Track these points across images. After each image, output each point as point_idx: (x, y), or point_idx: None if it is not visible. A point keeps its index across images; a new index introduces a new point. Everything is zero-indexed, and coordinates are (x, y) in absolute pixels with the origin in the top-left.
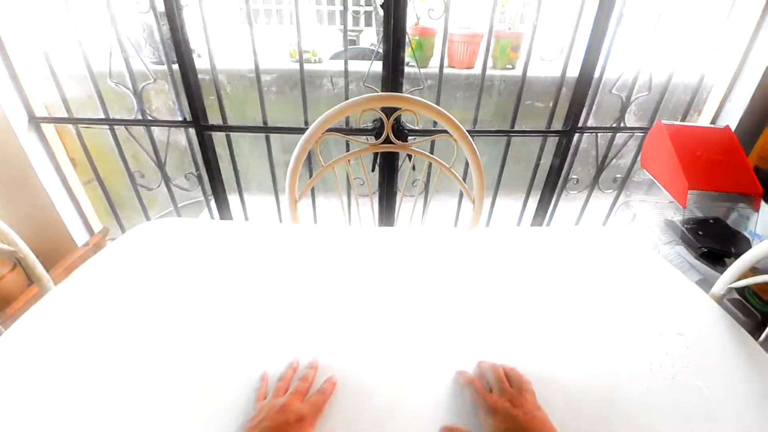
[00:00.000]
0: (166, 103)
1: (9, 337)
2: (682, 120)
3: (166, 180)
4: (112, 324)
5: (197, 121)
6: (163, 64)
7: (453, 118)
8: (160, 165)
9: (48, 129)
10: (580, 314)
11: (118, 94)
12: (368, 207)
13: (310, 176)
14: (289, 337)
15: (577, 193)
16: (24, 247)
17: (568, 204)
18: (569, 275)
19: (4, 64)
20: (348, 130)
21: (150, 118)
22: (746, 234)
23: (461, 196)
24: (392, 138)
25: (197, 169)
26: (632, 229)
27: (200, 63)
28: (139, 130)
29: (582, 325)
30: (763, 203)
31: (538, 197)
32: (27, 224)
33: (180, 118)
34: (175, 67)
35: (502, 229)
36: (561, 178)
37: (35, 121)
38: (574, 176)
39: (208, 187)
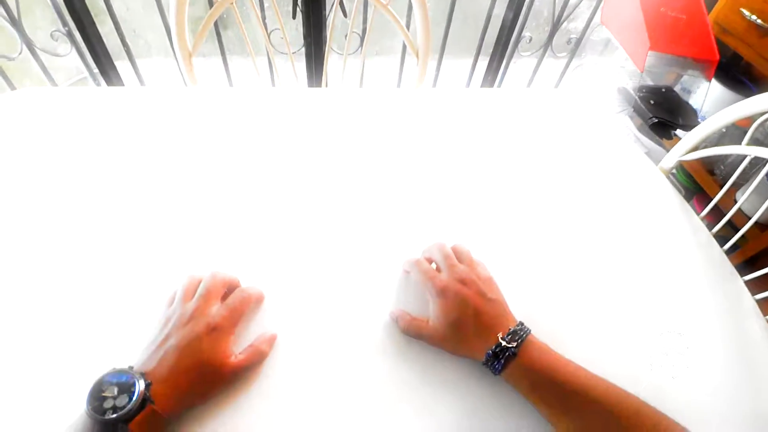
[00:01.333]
0: None
1: None
2: None
3: (28, 44)
4: None
5: None
6: None
7: None
8: (14, 22)
9: None
10: (532, 186)
11: None
12: (295, 66)
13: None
14: (205, 230)
15: (529, 55)
16: None
17: (518, 67)
18: (521, 141)
19: None
20: None
21: None
22: (693, 106)
23: (404, 52)
24: None
25: (64, 24)
26: (584, 94)
27: None
28: None
29: (532, 197)
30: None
31: (488, 60)
32: None
33: None
34: None
35: (449, 90)
36: (513, 36)
37: None
38: (527, 34)
39: (87, 53)
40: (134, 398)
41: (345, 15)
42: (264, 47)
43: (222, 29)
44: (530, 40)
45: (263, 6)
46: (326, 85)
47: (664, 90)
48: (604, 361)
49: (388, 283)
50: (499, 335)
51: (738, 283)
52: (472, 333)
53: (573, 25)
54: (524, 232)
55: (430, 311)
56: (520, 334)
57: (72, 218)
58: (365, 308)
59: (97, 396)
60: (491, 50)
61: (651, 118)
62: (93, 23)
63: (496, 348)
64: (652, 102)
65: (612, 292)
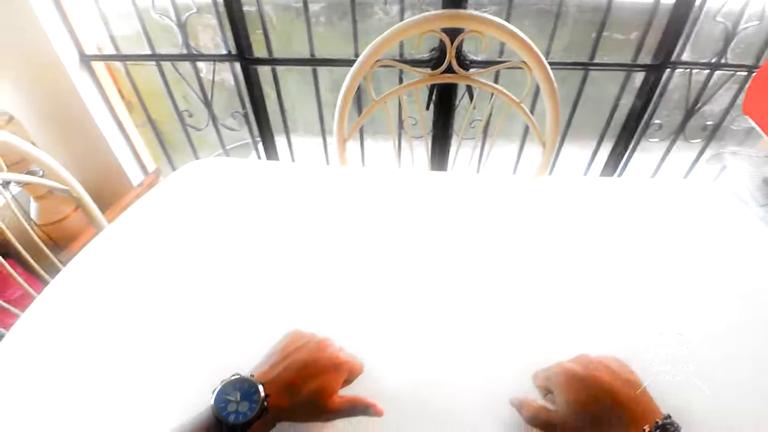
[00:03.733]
0: (213, 39)
1: (65, 275)
2: None
3: (214, 119)
4: (161, 264)
5: (242, 54)
6: None
7: (529, 41)
8: (207, 103)
9: (100, 69)
10: (659, 287)
11: (164, 29)
12: (420, 150)
13: (359, 115)
14: (327, 291)
15: (657, 141)
16: (77, 186)
17: (643, 155)
18: (646, 235)
19: (54, 3)
20: (402, 61)
21: (195, 52)
22: None
23: (524, 140)
24: (455, 66)
25: (243, 107)
26: (720, 185)
27: None
28: (187, 70)
29: (660, 298)
30: None
31: (611, 146)
32: (85, 165)
33: (225, 52)
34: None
35: (571, 178)
36: (642, 123)
37: (86, 60)
38: (657, 121)
39: (255, 128)
40: (256, 408)
41: (474, 108)
42: (393, 130)
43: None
44: (660, 127)
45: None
46: (450, 169)
47: None
48: None
49: (508, 367)
50: (646, 428)
51: None
52: (607, 420)
53: (710, 108)
54: (656, 338)
55: (557, 399)
56: (670, 429)
57: (224, 262)
58: (481, 392)
59: (222, 398)
60: (615, 136)
61: None
62: (265, 107)
63: None
64: None
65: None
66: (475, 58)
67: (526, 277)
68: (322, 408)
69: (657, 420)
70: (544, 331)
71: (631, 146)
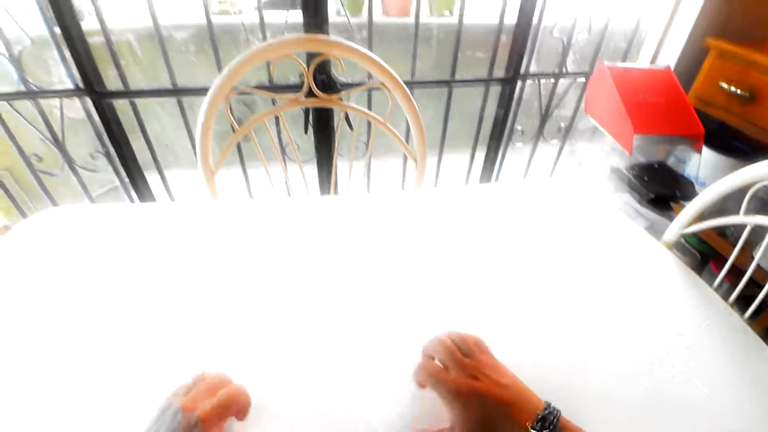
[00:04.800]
0: (57, 72)
1: None
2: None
3: (69, 161)
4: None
5: (91, 87)
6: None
7: (384, 64)
8: (58, 144)
9: None
10: (535, 274)
11: None
12: (308, 175)
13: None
14: (224, 332)
15: (523, 145)
16: None
17: (515, 156)
18: (521, 233)
19: None
20: (265, 88)
21: (35, 89)
22: (688, 176)
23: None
24: (315, 90)
25: (103, 145)
26: (579, 179)
27: (94, 23)
28: (29, 109)
29: (536, 285)
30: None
31: (485, 151)
32: None
33: (71, 86)
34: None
35: (447, 188)
36: (506, 130)
37: None
38: (519, 127)
39: (121, 168)
40: None
41: (351, 128)
42: (280, 156)
43: (243, 142)
44: (522, 133)
45: (278, 122)
46: (336, 190)
47: (656, 166)
48: None
49: (401, 392)
50: (528, 425)
51: (765, 351)
52: (498, 428)
53: (564, 113)
54: (530, 318)
55: (450, 417)
56: (550, 419)
57: (99, 325)
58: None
59: None
60: (487, 144)
61: (647, 194)
62: (128, 143)
63: None
64: (646, 179)
65: (628, 378)
66: (344, 80)
67: (415, 293)
68: None
69: (537, 413)
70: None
71: (501, 151)
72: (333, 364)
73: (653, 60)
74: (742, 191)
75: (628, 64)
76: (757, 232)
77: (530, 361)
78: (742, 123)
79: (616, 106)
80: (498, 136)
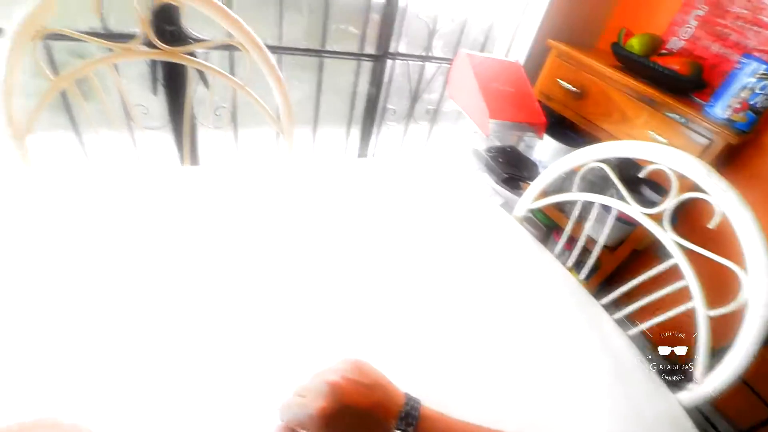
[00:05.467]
0: None
1: None
2: None
3: None
4: None
5: None
6: None
7: (240, 19)
8: None
9: None
10: (402, 247)
11: None
12: (164, 144)
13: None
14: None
15: (396, 124)
16: None
17: (390, 134)
18: (393, 206)
19: None
20: (102, 35)
21: None
22: (533, 160)
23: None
24: (153, 39)
25: None
26: (445, 159)
27: None
28: None
29: (402, 256)
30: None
31: (361, 129)
32: None
33: None
34: None
35: (318, 162)
36: (379, 109)
37: None
38: (391, 107)
39: None
40: None
41: (206, 86)
42: (118, 122)
43: (83, 101)
44: (395, 112)
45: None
46: (195, 161)
47: (509, 149)
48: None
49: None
50: (392, 425)
51: (596, 308)
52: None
53: (433, 96)
54: (395, 292)
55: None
56: (411, 413)
57: None
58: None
59: None
60: (361, 121)
61: (501, 174)
62: None
63: None
64: (500, 160)
65: (487, 337)
66: (199, 36)
67: (282, 272)
68: None
69: (399, 410)
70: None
71: (374, 129)
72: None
73: (506, 54)
74: (574, 173)
75: (485, 54)
76: (587, 207)
77: (390, 345)
78: (575, 116)
79: (474, 92)
80: (371, 114)
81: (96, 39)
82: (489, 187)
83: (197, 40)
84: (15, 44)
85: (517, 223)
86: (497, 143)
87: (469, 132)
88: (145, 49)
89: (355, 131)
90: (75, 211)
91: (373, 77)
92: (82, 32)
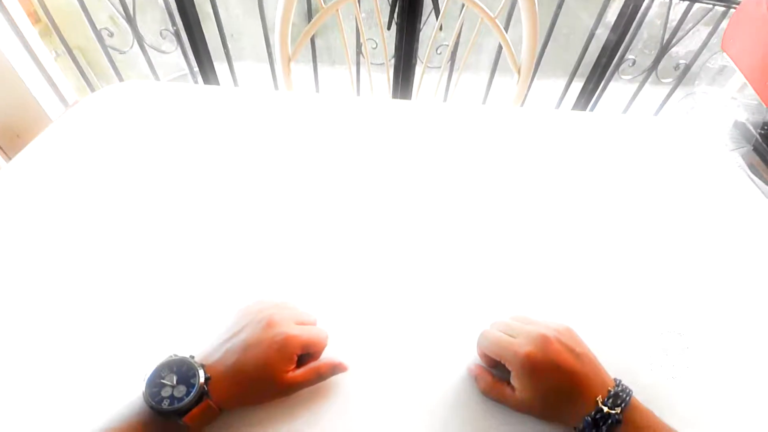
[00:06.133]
0: None
1: None
2: None
3: (139, 39)
4: (67, 204)
5: None
6: None
7: None
8: (130, 19)
9: None
10: (628, 221)
11: None
12: (382, 78)
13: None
14: (281, 246)
15: (630, 78)
16: None
17: (615, 91)
18: (617, 171)
19: None
20: None
21: None
22: None
23: (495, 66)
24: None
25: (174, 24)
26: (691, 125)
27: None
28: None
29: (627, 233)
30: None
31: (583, 80)
32: None
33: None
34: None
35: (544, 111)
36: (616, 58)
37: None
38: (630, 57)
39: (190, 52)
40: (193, 392)
41: (440, 29)
42: (350, 57)
43: (316, 37)
44: (633, 63)
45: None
46: (414, 97)
47: None
48: None
49: (469, 329)
50: (599, 399)
51: None
52: (566, 399)
53: (683, 50)
54: (615, 276)
55: (516, 382)
56: (622, 396)
57: (150, 210)
58: (441, 353)
59: (155, 382)
60: (588, 71)
61: None
62: (199, 25)
63: (596, 414)
64: None
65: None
66: None
67: (494, 222)
68: (274, 389)
69: (609, 389)
70: (505, 287)
71: (603, 82)
72: (404, 290)
73: None
74: None
75: None
76: None
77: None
78: None
79: (764, 46)
80: (604, 65)
81: None
82: (749, 171)
83: None
84: None
85: None
86: None
87: (730, 98)
88: None
89: (576, 83)
90: (313, 131)
91: (618, 22)
92: None
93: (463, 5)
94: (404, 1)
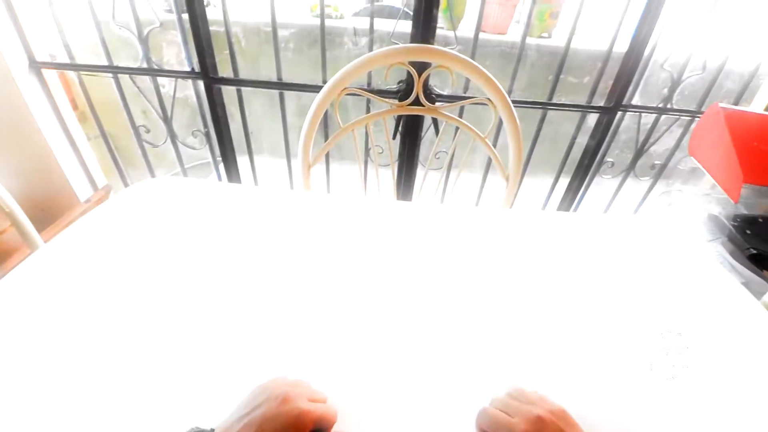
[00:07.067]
0: (177, 55)
1: None
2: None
3: (172, 136)
4: (99, 287)
5: (206, 72)
6: (173, 13)
7: (494, 79)
8: (166, 120)
9: (52, 78)
10: (617, 316)
11: (123, 41)
12: (386, 178)
13: (326, 141)
14: (295, 327)
15: (610, 178)
16: (8, 199)
17: (597, 189)
18: (602, 270)
19: (5, 5)
20: (370, 91)
21: (156, 67)
22: None
23: (486, 172)
24: (422, 98)
25: (205, 126)
26: (669, 220)
27: (213, 13)
28: (147, 84)
29: (616, 327)
30: None
31: (568, 181)
32: (26, 176)
33: (188, 69)
34: (186, 16)
35: (532, 212)
36: (596, 161)
37: (36, 66)
38: (609, 159)
39: (217, 147)
40: None
41: (437, 133)
42: (356, 159)
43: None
44: (612, 165)
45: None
46: (416, 194)
47: (761, 220)
48: None
49: (469, 405)
50: None
51: None
52: None
53: (658, 149)
54: (606, 364)
55: None
56: None
57: (178, 295)
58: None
59: None
60: (572, 172)
61: (748, 249)
62: (228, 127)
63: None
64: (748, 232)
65: None
66: (440, 92)
67: (486, 308)
68: None
69: None
70: (501, 364)
71: (585, 182)
72: (412, 371)
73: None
74: None
75: (744, 108)
76: None
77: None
78: None
79: (726, 151)
80: (586, 166)
81: (381, 98)
82: (725, 261)
83: (440, 96)
84: (325, 97)
85: (764, 309)
86: (744, 211)
87: (704, 194)
88: (411, 106)
89: (562, 181)
90: (328, 229)
91: (596, 129)
92: (363, 89)
93: (457, 128)
94: (407, 117)
